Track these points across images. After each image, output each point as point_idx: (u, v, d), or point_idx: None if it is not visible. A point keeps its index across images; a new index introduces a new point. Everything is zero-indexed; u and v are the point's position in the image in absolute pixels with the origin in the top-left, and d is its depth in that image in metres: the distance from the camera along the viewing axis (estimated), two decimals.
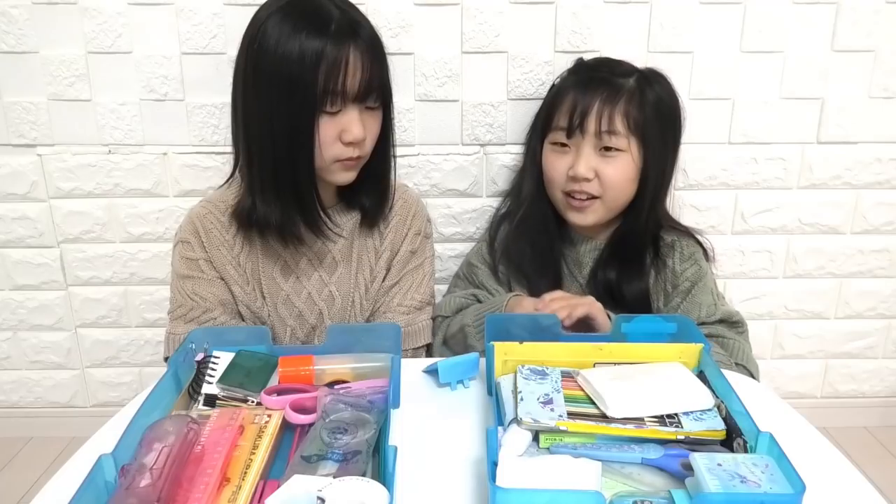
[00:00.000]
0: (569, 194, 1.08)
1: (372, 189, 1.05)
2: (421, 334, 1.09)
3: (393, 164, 1.06)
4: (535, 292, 1.13)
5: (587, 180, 1.05)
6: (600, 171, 1.04)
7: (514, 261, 1.16)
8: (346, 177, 0.99)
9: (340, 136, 0.93)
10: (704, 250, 1.14)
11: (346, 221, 1.07)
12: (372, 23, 0.96)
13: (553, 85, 1.18)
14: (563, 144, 1.08)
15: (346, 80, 0.90)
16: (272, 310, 1.05)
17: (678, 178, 1.36)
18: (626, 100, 1.03)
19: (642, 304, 1.10)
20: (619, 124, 1.02)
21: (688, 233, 1.15)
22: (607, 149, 1.04)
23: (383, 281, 1.09)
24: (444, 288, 1.43)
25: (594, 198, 1.07)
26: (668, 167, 1.11)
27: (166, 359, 1.03)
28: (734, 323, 1.09)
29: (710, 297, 1.09)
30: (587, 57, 1.18)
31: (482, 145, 1.35)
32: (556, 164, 1.09)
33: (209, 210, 1.05)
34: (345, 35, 0.90)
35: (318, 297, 1.06)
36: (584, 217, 1.09)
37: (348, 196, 1.07)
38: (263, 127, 0.93)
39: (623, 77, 1.06)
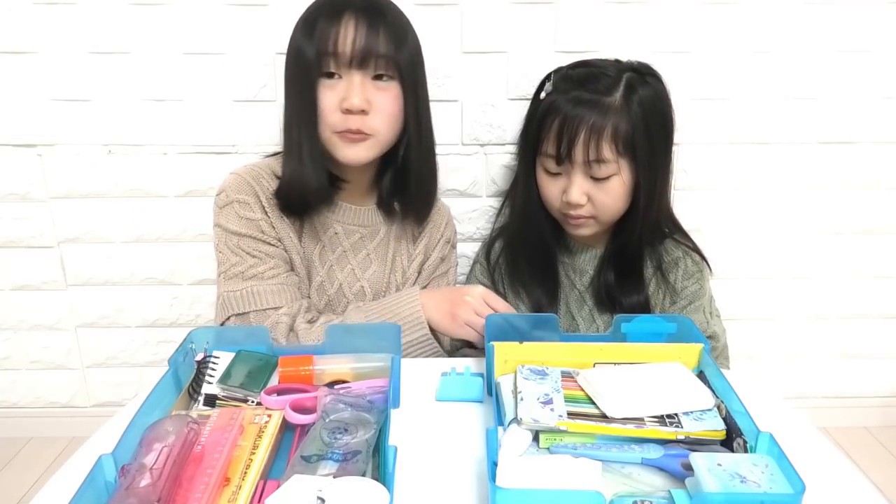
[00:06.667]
0: (565, 214, 1.08)
1: (403, 187, 1.04)
2: (445, 339, 1.08)
3: (431, 162, 1.04)
4: (534, 301, 1.13)
5: (580, 206, 1.04)
6: (593, 196, 1.04)
7: (510, 270, 1.15)
8: (351, 153, 0.97)
9: (341, 104, 0.94)
10: (709, 266, 1.14)
11: (378, 223, 1.07)
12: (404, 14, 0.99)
13: (538, 95, 1.09)
14: (555, 172, 1.06)
15: (337, 40, 0.92)
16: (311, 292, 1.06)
17: (678, 178, 1.36)
18: (615, 119, 0.99)
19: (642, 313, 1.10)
20: (607, 151, 1.00)
21: (695, 249, 1.14)
22: (597, 177, 1.03)
23: (413, 285, 1.09)
24: None
25: (590, 216, 1.07)
26: (661, 173, 1.07)
27: (223, 324, 0.97)
28: (708, 338, 1.10)
29: (701, 317, 1.11)
30: (588, 57, 1.16)
31: (482, 145, 1.35)
32: (550, 188, 1.08)
33: (258, 174, 1.02)
34: (347, 4, 0.93)
35: (349, 290, 1.06)
36: (582, 231, 1.09)
37: (385, 201, 1.07)
38: (287, 102, 0.99)
39: (609, 93, 1.00)
